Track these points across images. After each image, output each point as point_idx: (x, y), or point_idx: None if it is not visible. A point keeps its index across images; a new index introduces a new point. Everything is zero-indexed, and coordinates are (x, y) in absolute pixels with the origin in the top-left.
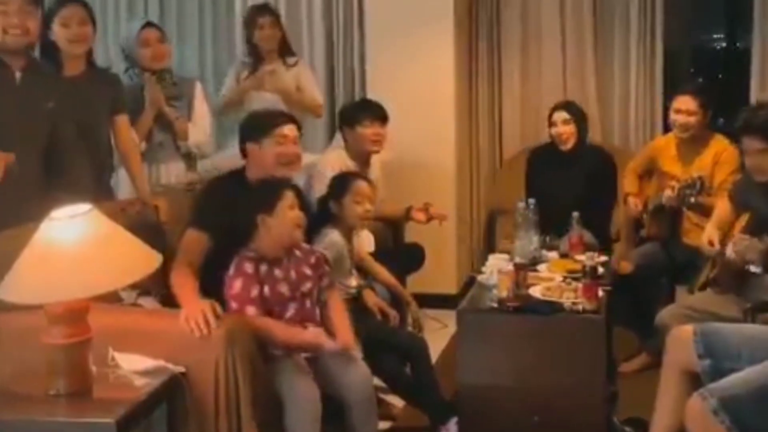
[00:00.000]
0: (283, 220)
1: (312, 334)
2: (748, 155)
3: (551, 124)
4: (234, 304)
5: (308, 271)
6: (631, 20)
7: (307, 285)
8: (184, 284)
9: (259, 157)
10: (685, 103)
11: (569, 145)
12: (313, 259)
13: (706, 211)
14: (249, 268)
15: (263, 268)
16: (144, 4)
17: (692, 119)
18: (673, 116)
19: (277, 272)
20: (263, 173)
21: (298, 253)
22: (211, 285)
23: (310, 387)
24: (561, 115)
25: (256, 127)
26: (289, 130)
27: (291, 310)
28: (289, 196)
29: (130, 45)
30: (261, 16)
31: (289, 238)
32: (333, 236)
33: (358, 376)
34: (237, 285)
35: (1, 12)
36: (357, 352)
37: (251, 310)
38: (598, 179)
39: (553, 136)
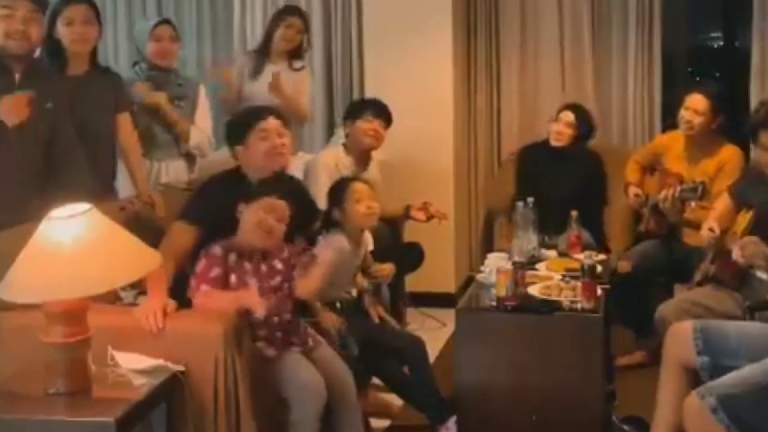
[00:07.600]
0: (249, 217)
1: (245, 296)
2: (763, 151)
3: (555, 119)
4: (193, 282)
5: (279, 265)
6: (629, 20)
7: (277, 279)
8: (158, 277)
9: (248, 157)
10: (695, 102)
11: (560, 144)
12: (286, 253)
13: (699, 225)
14: (217, 251)
15: (232, 257)
16: (141, 2)
17: (698, 119)
18: (681, 112)
19: (247, 265)
20: (259, 172)
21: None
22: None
23: (317, 377)
24: (567, 116)
25: (237, 128)
26: (270, 122)
27: None
28: (265, 201)
29: (142, 39)
30: (292, 15)
31: (251, 236)
32: (341, 242)
33: (345, 375)
34: (201, 264)
35: (6, 16)
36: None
37: (204, 288)
38: (588, 180)
39: (550, 131)
